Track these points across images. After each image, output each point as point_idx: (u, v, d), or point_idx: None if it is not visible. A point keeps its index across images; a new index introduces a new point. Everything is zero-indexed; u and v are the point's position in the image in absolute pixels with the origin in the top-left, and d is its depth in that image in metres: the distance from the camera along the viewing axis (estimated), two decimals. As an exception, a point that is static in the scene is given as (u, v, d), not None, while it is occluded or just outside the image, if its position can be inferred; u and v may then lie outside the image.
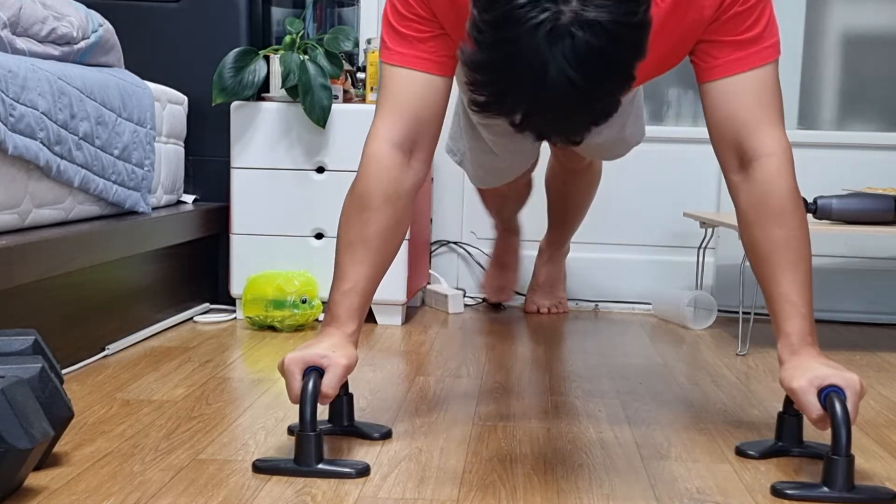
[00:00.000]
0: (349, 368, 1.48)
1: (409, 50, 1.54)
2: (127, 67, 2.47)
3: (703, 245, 2.79)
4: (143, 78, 2.47)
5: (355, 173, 1.56)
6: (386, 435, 1.57)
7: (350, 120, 2.55)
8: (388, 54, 1.56)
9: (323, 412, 1.58)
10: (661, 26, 1.40)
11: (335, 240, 1.56)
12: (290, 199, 2.58)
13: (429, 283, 3.03)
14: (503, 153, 2.28)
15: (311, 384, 1.40)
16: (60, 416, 1.33)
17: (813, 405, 1.40)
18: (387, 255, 1.55)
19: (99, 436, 1.55)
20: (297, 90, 2.51)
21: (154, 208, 2.47)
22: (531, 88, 1.20)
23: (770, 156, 1.50)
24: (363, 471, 1.39)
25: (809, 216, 2.04)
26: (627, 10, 1.19)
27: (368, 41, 2.69)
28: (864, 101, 3.08)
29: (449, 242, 3.09)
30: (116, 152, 2.23)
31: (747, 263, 2.44)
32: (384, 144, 1.53)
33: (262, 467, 1.39)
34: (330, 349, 1.46)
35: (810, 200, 2.38)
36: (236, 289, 2.64)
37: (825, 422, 1.39)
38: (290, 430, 1.58)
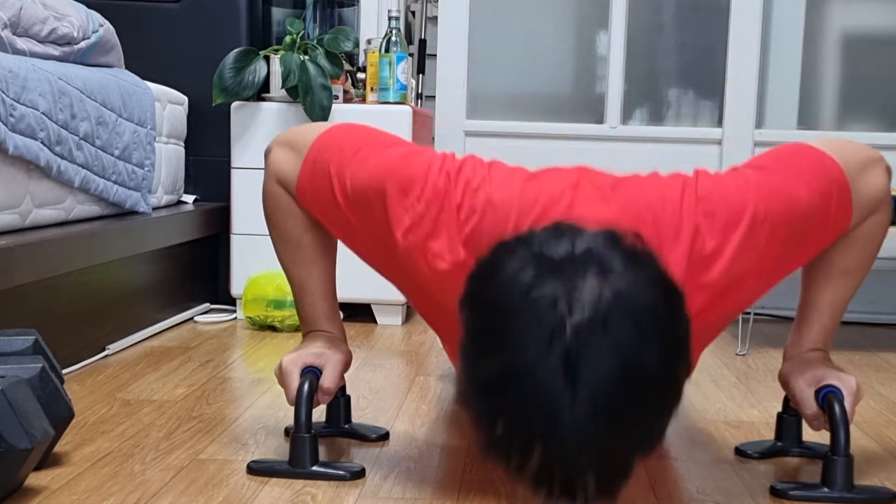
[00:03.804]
0: (346, 363, 1.49)
1: (321, 208, 1.42)
2: (127, 67, 2.48)
3: (703, 245, 2.78)
4: (144, 78, 2.47)
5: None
6: (383, 437, 1.57)
7: (350, 120, 2.55)
8: (302, 174, 1.40)
9: (321, 414, 1.58)
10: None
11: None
12: (290, 199, 2.58)
13: (429, 283, 3.03)
14: None
15: (306, 386, 1.40)
16: (61, 415, 1.33)
17: (808, 402, 1.40)
18: (331, 255, 1.52)
19: (99, 436, 1.55)
20: (298, 90, 2.51)
21: (154, 208, 2.47)
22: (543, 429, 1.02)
23: (871, 216, 1.42)
24: (358, 473, 1.38)
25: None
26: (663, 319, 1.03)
27: (368, 41, 2.69)
28: (863, 101, 3.08)
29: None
30: (117, 152, 2.23)
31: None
32: (284, 189, 1.46)
33: (257, 469, 1.39)
34: (324, 347, 1.47)
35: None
36: (236, 289, 2.64)
37: (819, 420, 1.40)
38: (287, 432, 1.58)
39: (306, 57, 2.53)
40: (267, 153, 1.48)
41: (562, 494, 1.04)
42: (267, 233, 1.52)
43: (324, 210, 1.41)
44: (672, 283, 1.06)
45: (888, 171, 1.41)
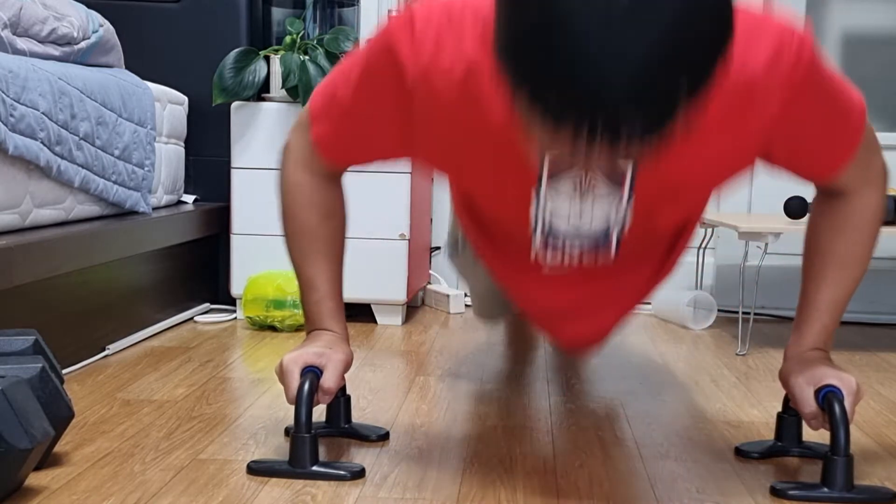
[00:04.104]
0: (347, 364, 1.49)
1: (337, 131, 1.42)
2: (127, 67, 2.48)
3: (703, 245, 2.79)
4: (143, 78, 2.47)
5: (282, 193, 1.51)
6: (383, 437, 1.57)
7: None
8: (316, 118, 1.43)
9: (321, 414, 1.59)
10: (710, 134, 1.25)
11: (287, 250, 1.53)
12: (290, 199, 2.58)
13: (429, 283, 3.03)
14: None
15: (306, 385, 1.40)
16: (61, 415, 1.33)
17: (807, 401, 1.40)
18: (341, 254, 1.54)
19: (99, 436, 1.55)
20: (298, 90, 2.51)
21: (154, 208, 2.47)
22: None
23: (863, 194, 1.44)
24: (358, 473, 1.38)
25: (807, 217, 2.02)
26: None
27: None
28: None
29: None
30: (117, 152, 2.23)
31: (747, 263, 2.46)
32: (304, 173, 1.48)
33: (257, 469, 1.39)
34: (325, 347, 1.47)
35: (810, 200, 2.37)
36: (236, 289, 2.64)
37: (818, 419, 1.40)
38: (287, 432, 1.58)
39: (306, 57, 2.53)
40: (283, 149, 1.51)
41: (604, 135, 0.99)
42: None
43: (341, 130, 1.41)
44: None
45: (885, 169, 1.45)
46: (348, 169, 1.51)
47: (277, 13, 2.86)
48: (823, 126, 1.34)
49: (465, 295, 2.95)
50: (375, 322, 2.63)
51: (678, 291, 2.80)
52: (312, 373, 1.43)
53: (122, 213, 2.31)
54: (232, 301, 2.69)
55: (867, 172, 1.43)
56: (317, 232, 1.50)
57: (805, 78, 1.24)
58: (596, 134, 0.98)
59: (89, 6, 2.38)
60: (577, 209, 1.35)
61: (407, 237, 2.58)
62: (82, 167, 2.07)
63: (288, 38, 2.59)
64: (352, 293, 2.46)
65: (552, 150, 1.07)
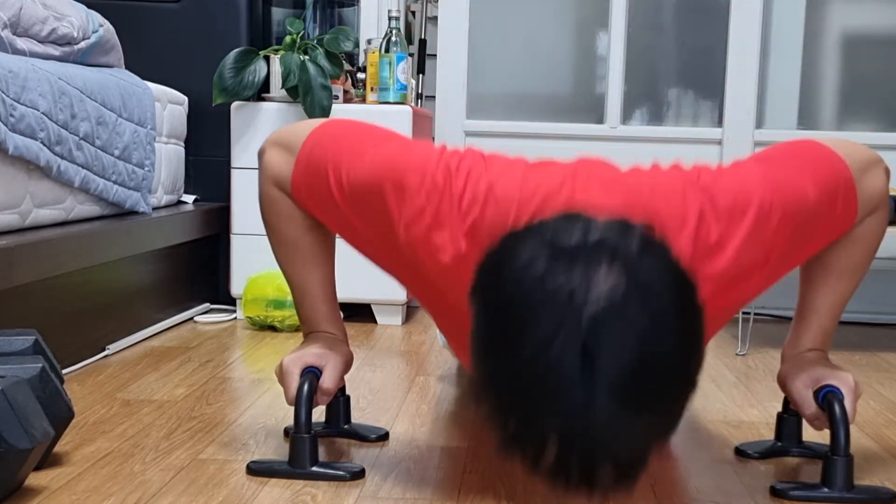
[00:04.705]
0: (347, 364, 1.49)
1: (315, 203, 1.41)
2: (127, 67, 2.48)
3: (703, 245, 2.78)
4: (143, 78, 2.47)
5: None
6: (382, 437, 1.57)
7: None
8: (299, 175, 1.40)
9: (321, 415, 1.58)
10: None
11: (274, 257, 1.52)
12: (290, 199, 2.58)
13: (429, 283, 3.03)
14: None
15: (305, 386, 1.40)
16: (61, 415, 1.33)
17: (807, 402, 1.40)
18: (329, 258, 1.52)
19: (99, 436, 1.55)
20: (298, 90, 2.51)
21: (154, 208, 2.47)
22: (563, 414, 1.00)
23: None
24: (358, 473, 1.38)
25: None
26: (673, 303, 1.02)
27: (369, 41, 2.69)
28: (863, 101, 3.08)
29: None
30: (117, 152, 2.23)
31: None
32: (282, 192, 1.45)
33: (257, 469, 1.39)
34: (325, 348, 1.47)
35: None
36: (236, 289, 2.64)
37: (820, 420, 1.40)
38: (287, 432, 1.58)
39: (306, 57, 2.53)
40: (260, 155, 1.47)
41: (580, 485, 1.03)
42: (266, 233, 1.51)
43: (321, 207, 1.41)
44: (685, 273, 1.05)
45: (887, 172, 1.42)
46: None
47: (277, 13, 2.86)
48: (823, 228, 1.34)
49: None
50: (375, 322, 2.63)
51: (678, 291, 2.80)
52: (312, 373, 1.43)
53: (122, 213, 2.31)
54: (232, 301, 2.69)
55: (871, 203, 1.40)
56: (299, 242, 1.47)
57: (789, 225, 1.26)
58: (570, 483, 1.03)
59: (89, 6, 2.38)
60: None
61: (407, 237, 2.57)
62: (82, 167, 2.07)
63: (288, 38, 2.59)
64: (352, 293, 2.46)
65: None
